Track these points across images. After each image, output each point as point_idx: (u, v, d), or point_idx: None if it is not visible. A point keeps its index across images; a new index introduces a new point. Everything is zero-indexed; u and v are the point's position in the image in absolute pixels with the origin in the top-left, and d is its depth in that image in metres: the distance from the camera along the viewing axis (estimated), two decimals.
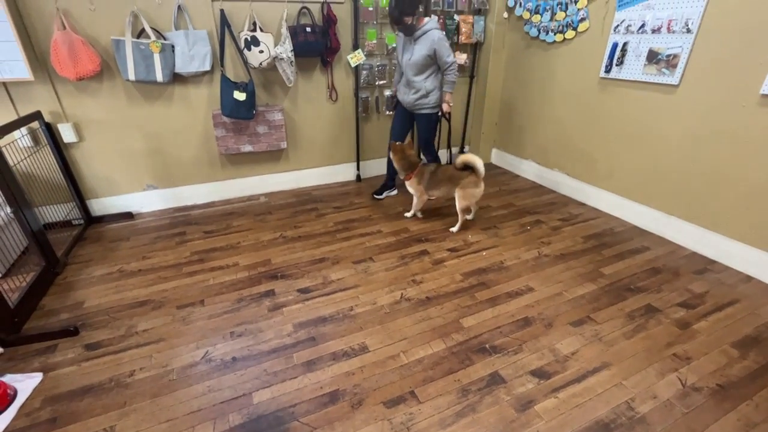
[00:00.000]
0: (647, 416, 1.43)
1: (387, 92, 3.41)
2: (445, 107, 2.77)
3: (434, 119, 2.84)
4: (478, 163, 2.49)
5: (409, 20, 2.45)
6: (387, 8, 3.06)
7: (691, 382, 1.56)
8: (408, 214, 2.89)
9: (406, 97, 2.76)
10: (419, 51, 2.54)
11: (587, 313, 1.93)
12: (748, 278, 2.19)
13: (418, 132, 2.94)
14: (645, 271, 2.26)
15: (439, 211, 3.01)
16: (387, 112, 3.49)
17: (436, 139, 3.00)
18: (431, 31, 2.51)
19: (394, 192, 3.28)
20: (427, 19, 2.54)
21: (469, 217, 2.84)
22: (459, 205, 2.61)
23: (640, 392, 1.52)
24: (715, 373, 1.60)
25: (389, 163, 3.00)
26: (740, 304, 1.99)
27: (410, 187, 2.76)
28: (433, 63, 2.60)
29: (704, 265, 2.31)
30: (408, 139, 2.87)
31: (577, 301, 2.02)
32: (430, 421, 1.41)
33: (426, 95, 2.69)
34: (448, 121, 2.93)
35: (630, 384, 1.55)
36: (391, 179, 3.21)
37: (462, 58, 3.52)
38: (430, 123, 2.85)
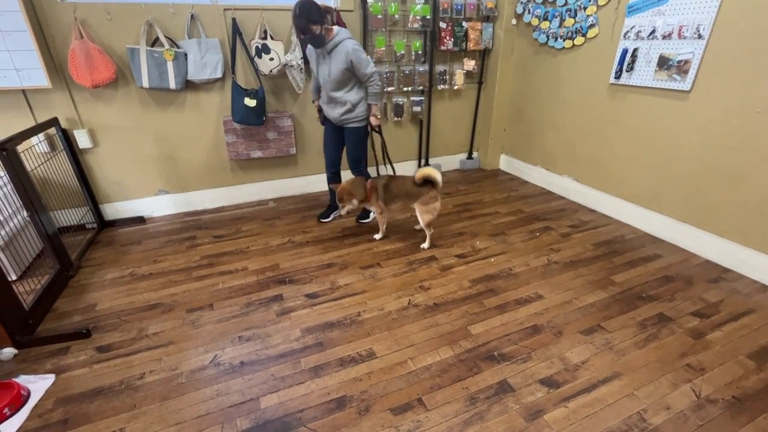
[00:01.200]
0: (660, 428, 1.40)
1: (395, 99, 3.44)
2: (373, 121, 2.58)
3: (363, 133, 2.63)
4: (438, 176, 2.40)
5: (317, 29, 2.19)
6: (396, 14, 3.09)
7: (706, 393, 1.53)
8: (378, 236, 2.71)
9: (332, 112, 2.55)
10: (335, 65, 2.33)
11: (598, 322, 1.91)
12: (764, 287, 2.14)
13: (347, 149, 2.69)
14: (657, 280, 2.22)
15: (446, 218, 3.00)
16: (395, 119, 3.51)
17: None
18: (344, 42, 2.29)
19: (328, 219, 3.02)
20: (336, 29, 2.30)
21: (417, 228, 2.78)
22: (423, 221, 2.50)
23: (653, 403, 1.49)
24: (730, 385, 1.56)
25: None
26: (756, 314, 1.94)
27: (372, 207, 2.63)
28: (352, 75, 2.40)
29: (718, 274, 2.26)
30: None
31: (587, 309, 1.99)
32: (437, 429, 1.40)
33: (352, 108, 2.49)
34: (380, 134, 2.74)
35: (642, 395, 1.52)
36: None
37: (470, 64, 3.54)
38: (359, 138, 2.63)
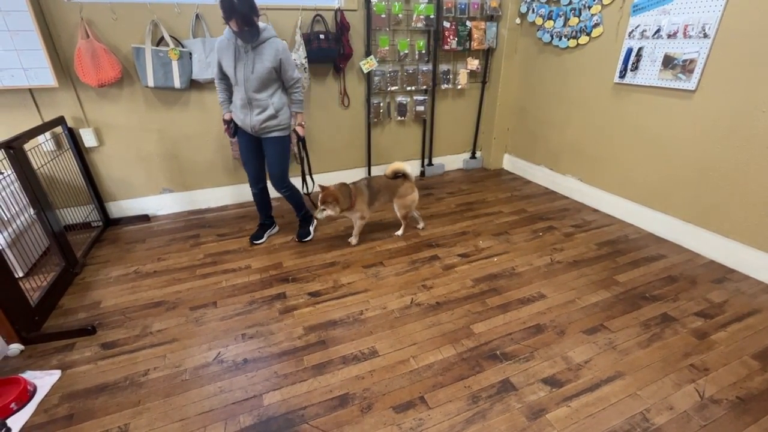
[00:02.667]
0: (663, 428, 1.39)
1: (398, 98, 3.44)
2: (300, 130, 2.36)
3: (287, 144, 2.38)
4: (408, 168, 2.48)
5: (257, 20, 1.99)
6: (399, 14, 3.09)
7: (710, 393, 1.52)
8: (353, 241, 2.62)
9: (249, 118, 2.22)
10: (262, 62, 2.08)
11: (601, 321, 1.90)
12: None
13: (269, 163, 2.39)
14: (661, 280, 2.21)
15: (449, 217, 3.00)
16: (398, 118, 3.52)
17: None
18: (273, 40, 2.10)
19: (276, 230, 2.80)
20: (263, 25, 2.08)
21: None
22: (399, 213, 2.61)
23: (656, 403, 1.48)
24: (734, 385, 1.55)
25: (261, 202, 2.60)
26: (761, 314, 1.93)
27: (357, 213, 2.50)
28: (278, 77, 2.20)
29: (723, 274, 2.25)
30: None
31: (590, 309, 1.99)
32: (439, 427, 1.40)
33: (275, 114, 2.23)
34: (304, 147, 2.44)
35: (645, 394, 1.52)
36: (267, 217, 2.70)
37: (474, 64, 3.53)
38: (284, 148, 2.36)
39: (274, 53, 2.10)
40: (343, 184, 2.45)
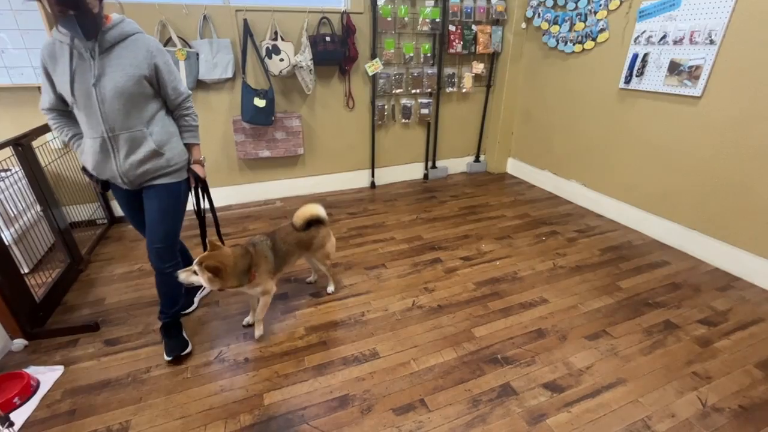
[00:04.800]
0: None
1: (403, 101, 3.45)
2: (200, 171, 1.63)
3: (181, 193, 1.61)
4: (321, 211, 1.88)
5: (95, 4, 1.28)
6: (405, 17, 3.11)
7: (712, 402, 1.51)
8: (257, 333, 1.82)
9: (114, 164, 1.45)
10: (123, 71, 1.36)
11: (603, 327, 1.89)
12: None
13: (152, 221, 1.59)
14: (664, 286, 2.20)
15: (451, 220, 3.00)
16: (403, 121, 3.53)
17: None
18: (139, 35, 1.41)
19: (193, 307, 2.03)
20: (118, 16, 1.39)
21: (311, 279, 2.26)
22: (323, 267, 2.05)
23: (658, 410, 1.47)
24: (737, 394, 1.54)
25: (175, 285, 1.63)
26: (765, 323, 1.92)
27: (260, 287, 1.71)
28: (155, 94, 1.46)
29: (727, 282, 2.23)
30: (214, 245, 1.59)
31: (592, 315, 1.98)
32: (439, 430, 1.40)
33: (158, 151, 1.47)
34: (208, 195, 1.73)
35: (647, 401, 1.51)
36: (174, 304, 1.76)
37: (479, 67, 3.54)
38: (176, 200, 1.60)
39: (144, 54, 1.39)
40: (245, 251, 1.65)
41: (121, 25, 1.38)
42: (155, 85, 1.46)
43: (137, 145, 1.45)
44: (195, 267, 1.51)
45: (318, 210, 1.87)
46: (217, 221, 1.91)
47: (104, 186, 1.57)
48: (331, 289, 2.16)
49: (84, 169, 1.56)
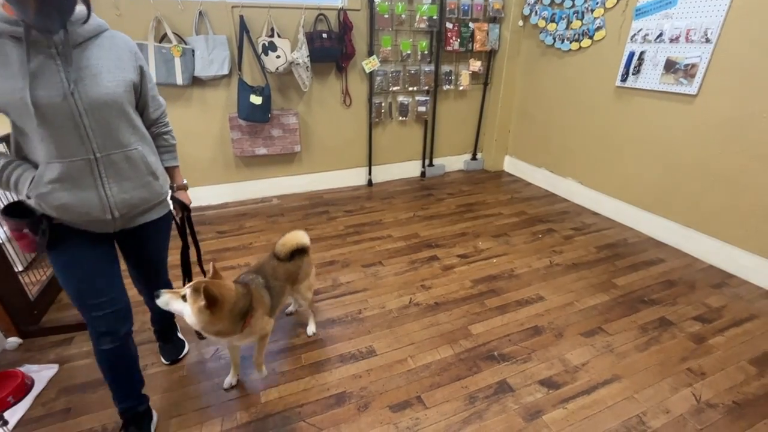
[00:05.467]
0: (659, 431, 1.39)
1: (400, 98, 3.44)
2: (185, 198, 1.46)
3: (170, 225, 1.46)
4: (306, 239, 1.69)
5: None
6: (402, 14, 3.09)
7: (706, 398, 1.52)
8: (230, 382, 1.57)
9: (106, 194, 1.12)
10: (111, 73, 1.08)
11: (599, 324, 1.90)
12: None
13: (147, 262, 1.45)
14: (659, 284, 2.21)
15: (448, 218, 3.00)
16: (400, 118, 3.52)
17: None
18: (115, 32, 1.17)
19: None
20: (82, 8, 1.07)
21: (291, 309, 2.00)
22: (305, 302, 1.77)
23: (652, 406, 1.48)
24: (731, 390, 1.55)
25: (129, 357, 1.35)
26: (759, 319, 1.93)
27: (255, 334, 1.44)
28: (132, 104, 1.18)
29: (721, 279, 2.25)
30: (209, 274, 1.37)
31: (588, 312, 1.99)
32: (436, 427, 1.40)
33: (154, 173, 1.23)
34: (190, 225, 1.55)
35: (642, 398, 1.52)
36: (166, 338, 1.72)
37: (476, 65, 3.54)
38: (168, 234, 1.47)
39: (127, 56, 1.14)
40: (246, 289, 1.40)
41: (94, 17, 1.09)
42: (137, 94, 1.19)
43: (133, 168, 1.16)
44: (187, 290, 1.21)
45: (303, 238, 1.68)
46: (200, 254, 1.64)
47: (47, 242, 1.11)
48: (312, 329, 1.83)
49: (9, 223, 1.08)
